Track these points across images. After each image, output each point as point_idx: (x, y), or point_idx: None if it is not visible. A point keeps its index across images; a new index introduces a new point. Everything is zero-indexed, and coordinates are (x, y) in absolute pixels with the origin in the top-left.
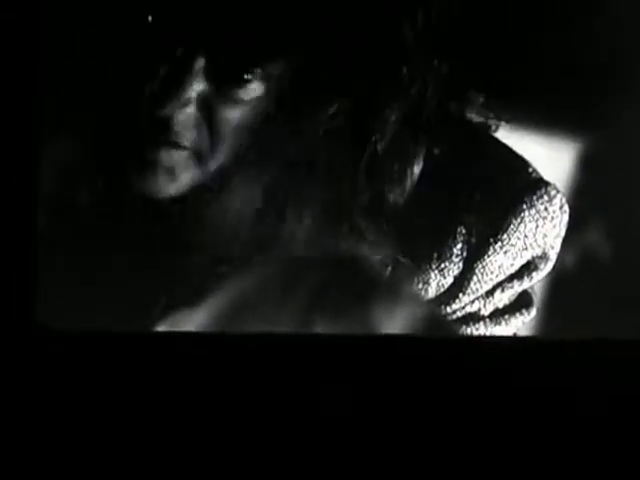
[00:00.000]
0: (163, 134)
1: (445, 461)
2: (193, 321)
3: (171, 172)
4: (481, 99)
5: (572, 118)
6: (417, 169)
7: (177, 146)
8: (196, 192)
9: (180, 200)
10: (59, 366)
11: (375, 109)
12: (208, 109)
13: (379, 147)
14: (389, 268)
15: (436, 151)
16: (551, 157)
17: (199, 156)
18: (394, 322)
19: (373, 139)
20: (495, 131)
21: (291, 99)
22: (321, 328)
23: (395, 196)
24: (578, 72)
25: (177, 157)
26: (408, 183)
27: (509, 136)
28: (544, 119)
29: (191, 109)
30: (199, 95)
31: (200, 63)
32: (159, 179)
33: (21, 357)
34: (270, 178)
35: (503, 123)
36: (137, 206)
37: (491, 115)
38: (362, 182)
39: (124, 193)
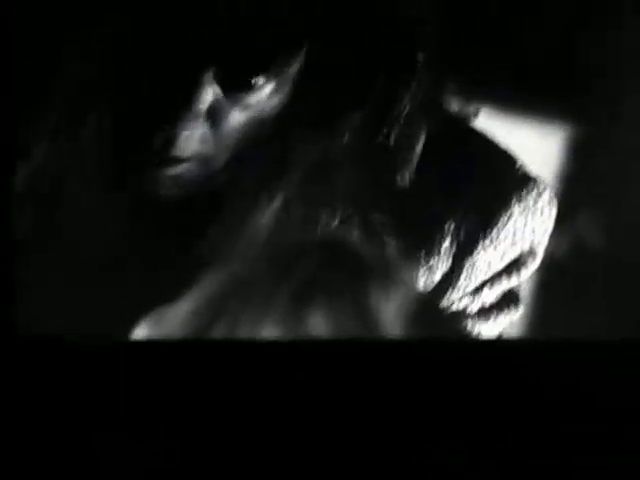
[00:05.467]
0: (166, 150)
1: (433, 461)
2: (177, 316)
3: (175, 180)
4: (455, 86)
5: (559, 105)
6: (419, 150)
7: (181, 160)
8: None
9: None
10: (41, 374)
11: (391, 102)
12: (215, 117)
13: (392, 136)
14: (379, 253)
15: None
16: (539, 146)
17: (204, 162)
18: (389, 307)
19: (385, 130)
20: (476, 116)
21: (300, 102)
22: (313, 317)
23: (403, 180)
24: (564, 58)
25: (180, 169)
26: (414, 165)
27: (497, 127)
28: (530, 106)
29: (198, 122)
30: (209, 107)
31: (209, 74)
32: (164, 186)
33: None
34: (277, 177)
35: (483, 109)
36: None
37: (471, 102)
38: (372, 171)
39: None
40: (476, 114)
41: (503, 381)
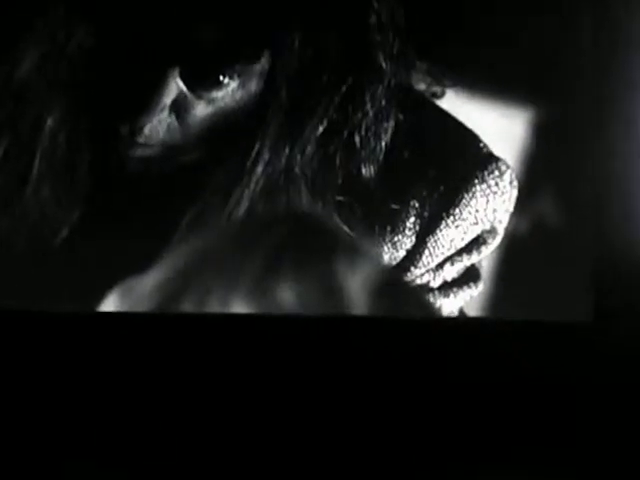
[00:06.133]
0: (133, 137)
1: (396, 439)
2: (144, 287)
3: (142, 162)
4: (425, 66)
5: (522, 87)
6: (387, 140)
7: (147, 146)
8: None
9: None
10: (7, 346)
11: (357, 96)
12: (180, 109)
13: (362, 126)
14: (345, 228)
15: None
16: (502, 127)
17: (170, 148)
18: (354, 281)
19: (354, 121)
20: (440, 97)
21: (267, 94)
22: (280, 291)
23: (369, 171)
24: (527, 41)
25: (147, 153)
26: (381, 156)
27: (461, 106)
28: (494, 88)
29: (164, 114)
30: (173, 100)
31: (175, 71)
32: (130, 166)
33: None
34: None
35: (447, 89)
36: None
37: (436, 82)
38: (340, 160)
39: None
40: (442, 94)
41: (465, 359)
